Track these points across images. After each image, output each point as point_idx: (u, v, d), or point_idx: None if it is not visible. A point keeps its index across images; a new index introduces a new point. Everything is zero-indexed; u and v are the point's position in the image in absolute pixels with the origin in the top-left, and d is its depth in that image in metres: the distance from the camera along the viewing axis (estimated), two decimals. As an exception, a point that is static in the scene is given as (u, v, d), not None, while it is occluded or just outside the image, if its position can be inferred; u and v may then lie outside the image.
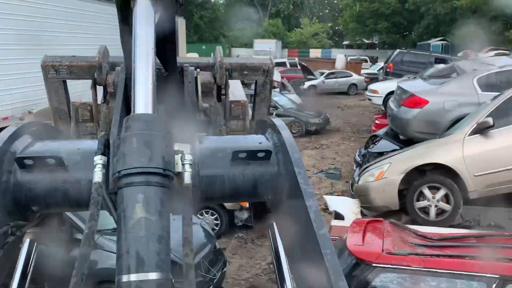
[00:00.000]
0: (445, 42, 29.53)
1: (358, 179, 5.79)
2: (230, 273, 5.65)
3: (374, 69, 24.78)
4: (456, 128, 5.47)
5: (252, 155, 1.02)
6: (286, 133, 1.05)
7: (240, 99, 1.99)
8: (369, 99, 13.38)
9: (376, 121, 11.10)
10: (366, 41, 41.90)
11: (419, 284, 3.12)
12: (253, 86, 2.08)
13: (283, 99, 14.35)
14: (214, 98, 1.88)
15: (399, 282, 3.15)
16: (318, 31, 40.76)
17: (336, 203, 5.49)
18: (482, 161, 4.95)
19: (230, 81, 1.90)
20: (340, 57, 25.94)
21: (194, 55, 19.98)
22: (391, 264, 3.18)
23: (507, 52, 21.93)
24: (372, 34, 39.71)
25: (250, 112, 2.12)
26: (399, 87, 7.53)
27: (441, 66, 9.48)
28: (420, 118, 6.55)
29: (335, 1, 46.54)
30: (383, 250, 3.28)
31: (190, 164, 0.91)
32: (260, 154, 1.03)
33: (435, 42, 29.63)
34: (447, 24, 32.23)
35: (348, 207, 5.28)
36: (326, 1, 48.56)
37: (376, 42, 40.76)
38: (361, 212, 5.28)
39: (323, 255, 0.78)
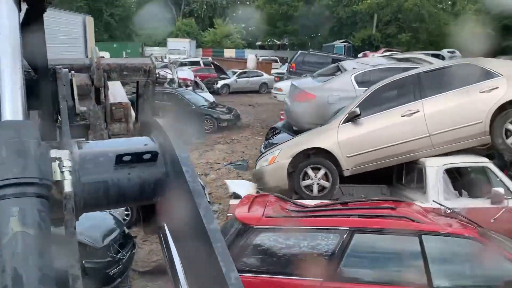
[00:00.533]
0: (348, 44, 31.98)
1: (255, 165, 6.56)
2: (141, 257, 6.09)
3: (283, 69, 26.20)
4: (333, 118, 6.43)
5: (137, 158, 0.99)
6: (171, 133, 1.02)
7: (121, 101, 1.97)
8: (275, 97, 14.38)
9: (282, 117, 12.10)
10: (278, 42, 43.71)
11: (290, 239, 3.89)
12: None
13: (196, 97, 14.89)
14: (92, 101, 1.83)
15: (275, 239, 3.88)
16: (232, 31, 41.72)
17: (236, 185, 6.20)
18: (352, 144, 5.93)
19: (109, 83, 1.86)
20: (251, 57, 27.02)
21: (105, 53, 19.68)
22: (269, 226, 3.90)
23: (399, 52, 24.48)
24: (283, 35, 41.55)
25: (133, 114, 2.08)
26: (292, 85, 8.47)
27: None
28: (309, 111, 7.49)
29: (247, 3, 47.83)
30: (263, 215, 3.99)
31: (70, 171, 0.87)
32: (146, 156, 1.00)
33: (338, 43, 31.96)
34: (349, 27, 34.85)
35: (245, 188, 6.01)
36: (238, 2, 49.69)
37: (286, 43, 42.64)
38: (258, 193, 6.02)
39: (214, 249, 0.79)
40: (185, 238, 0.95)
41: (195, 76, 19.27)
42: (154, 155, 1.00)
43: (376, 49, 29.15)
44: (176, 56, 30.07)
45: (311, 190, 6.05)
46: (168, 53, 33.69)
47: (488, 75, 5.75)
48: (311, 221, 3.97)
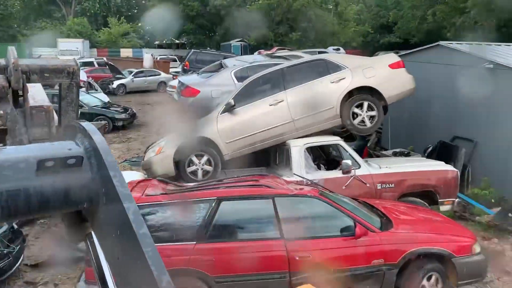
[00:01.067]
0: (244, 43, 33.25)
1: (144, 157, 7.04)
2: (33, 252, 6.26)
3: (181, 67, 26.58)
4: (214, 109, 7.16)
5: (61, 163, 0.96)
6: (97, 137, 0.99)
7: (42, 104, 1.86)
8: (170, 94, 14.81)
9: (176, 113, 12.62)
10: (176, 41, 43.68)
11: (167, 212, 4.51)
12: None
13: (88, 98, 14.73)
14: (10, 105, 1.76)
15: (153, 213, 4.47)
16: (128, 30, 40.78)
17: (126, 176, 6.63)
18: (230, 132, 6.70)
19: (29, 85, 1.78)
20: (147, 56, 26.94)
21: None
22: (147, 202, 4.47)
23: (290, 50, 26.21)
24: (181, 34, 41.65)
25: (56, 117, 2.01)
26: (179, 81, 9.07)
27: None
28: (194, 104, 8.15)
29: (143, 2, 47.02)
30: (143, 194, 4.56)
31: None
32: (70, 161, 0.97)
33: (235, 42, 33.10)
34: (244, 27, 36.14)
35: (134, 178, 6.47)
36: (134, 1, 48.60)
37: (185, 42, 42.83)
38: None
39: (144, 253, 0.79)
40: (114, 244, 0.92)
41: (88, 77, 18.86)
42: (79, 160, 0.97)
43: (270, 47, 30.76)
44: (68, 57, 28.75)
45: (196, 175, 6.72)
46: (59, 54, 32.02)
47: (337, 68, 6.89)
48: (185, 195, 4.62)
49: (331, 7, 38.16)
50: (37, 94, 1.96)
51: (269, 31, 34.28)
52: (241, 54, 25.00)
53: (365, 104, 6.82)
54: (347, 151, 6.49)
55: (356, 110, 6.83)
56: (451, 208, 6.65)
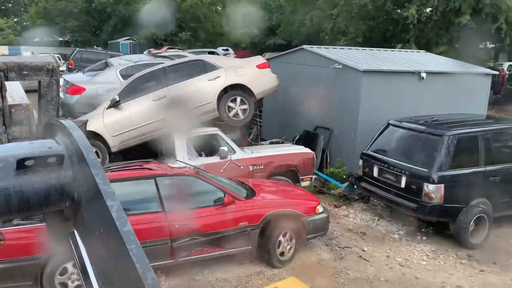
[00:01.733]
0: (133, 41, 32.87)
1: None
2: None
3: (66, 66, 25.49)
4: (100, 105, 7.67)
5: (41, 162, 0.94)
6: (78, 134, 0.99)
7: (21, 103, 1.85)
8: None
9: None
10: (60, 39, 41.33)
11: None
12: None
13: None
14: None
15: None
16: (2, 26, 37.61)
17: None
18: (116, 125, 7.30)
19: (7, 83, 1.67)
20: (27, 55, 25.43)
21: None
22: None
23: (181, 50, 26.74)
24: (65, 31, 39.54)
25: (36, 115, 1.97)
26: (64, 80, 9.30)
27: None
28: (81, 102, 8.52)
29: (19, -5, 43.60)
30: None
31: None
32: (51, 160, 0.95)
33: (123, 41, 32.56)
34: (132, 25, 35.66)
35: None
36: (7, -6, 44.78)
37: (70, 40, 40.75)
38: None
39: (129, 251, 0.79)
40: (97, 242, 0.91)
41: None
42: (59, 158, 0.96)
43: (160, 46, 30.92)
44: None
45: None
46: None
47: (213, 67, 7.89)
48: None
49: (220, 8, 39.43)
50: (15, 92, 1.82)
51: (158, 30, 34.35)
52: (130, 53, 24.94)
53: (238, 99, 7.91)
54: (224, 140, 7.50)
55: (231, 104, 7.89)
56: (310, 183, 8.05)
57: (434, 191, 6.23)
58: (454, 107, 9.00)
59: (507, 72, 29.13)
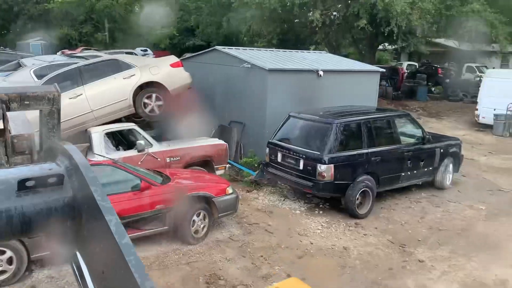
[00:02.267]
0: (44, 42, 31.48)
1: None
2: None
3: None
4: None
5: (41, 182, 0.96)
6: (77, 156, 1.00)
7: (23, 133, 1.85)
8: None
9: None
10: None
11: None
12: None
13: None
14: None
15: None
16: None
17: None
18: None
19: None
20: None
21: None
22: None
23: (97, 50, 26.22)
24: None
25: (37, 142, 1.95)
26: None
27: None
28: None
29: None
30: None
31: None
32: (51, 180, 0.97)
33: (34, 41, 31.07)
34: (43, 25, 34.12)
35: None
36: None
37: (-28, 40, 37.87)
38: None
39: (127, 262, 0.81)
40: (98, 258, 0.94)
41: None
42: (59, 178, 0.98)
43: (75, 47, 29.99)
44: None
45: None
46: None
47: (128, 66, 8.37)
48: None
49: (137, 9, 38.97)
50: (17, 120, 1.92)
51: (72, 31, 33.27)
52: (42, 54, 24.03)
53: (154, 95, 8.47)
54: (141, 134, 8.02)
55: (147, 101, 8.43)
56: (224, 172, 8.84)
57: (325, 171, 7.32)
58: (348, 101, 10.28)
59: (406, 71, 32.42)
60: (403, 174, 8.41)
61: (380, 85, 29.59)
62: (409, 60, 38.05)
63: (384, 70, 13.47)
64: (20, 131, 1.83)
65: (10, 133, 1.78)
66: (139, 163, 7.63)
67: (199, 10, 35.45)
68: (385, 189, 8.36)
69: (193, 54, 12.84)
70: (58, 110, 1.84)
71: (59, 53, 28.02)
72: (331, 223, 7.41)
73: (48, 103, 1.77)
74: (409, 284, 5.53)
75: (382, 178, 8.05)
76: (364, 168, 7.76)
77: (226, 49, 11.47)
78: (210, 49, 11.98)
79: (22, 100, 1.70)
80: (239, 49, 12.01)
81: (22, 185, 0.96)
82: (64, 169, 1.04)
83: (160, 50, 35.89)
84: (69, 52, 25.32)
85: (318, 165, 7.36)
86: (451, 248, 6.58)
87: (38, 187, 0.98)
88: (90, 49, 27.23)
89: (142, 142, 7.75)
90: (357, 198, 7.61)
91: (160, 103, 8.54)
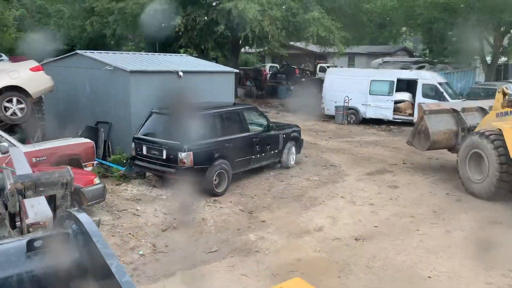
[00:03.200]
0: None
1: None
2: None
3: None
4: None
5: (49, 242, 1.03)
6: (82, 216, 1.09)
7: (39, 221, 1.85)
8: None
9: None
10: None
11: None
12: None
13: None
14: (7, 228, 1.77)
15: None
16: None
17: None
18: None
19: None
20: None
21: None
22: None
23: None
24: None
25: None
26: None
27: None
28: None
29: None
30: None
31: None
32: (58, 238, 1.06)
33: None
34: None
35: None
36: None
37: None
38: None
39: None
40: None
41: None
42: (65, 236, 1.07)
43: None
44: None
45: None
46: None
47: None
48: None
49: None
50: (38, 202, 1.92)
51: None
52: None
53: (14, 99, 8.71)
54: (3, 137, 8.21)
55: (7, 104, 8.63)
56: (92, 168, 9.42)
57: (185, 157, 8.47)
58: (207, 98, 11.58)
59: (269, 72, 35.40)
60: (253, 157, 9.98)
61: (245, 85, 31.86)
62: (272, 62, 41.44)
63: (239, 71, 15.15)
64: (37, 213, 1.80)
65: (26, 220, 1.82)
66: (4, 164, 7.87)
67: (60, 13, 33.91)
68: (239, 170, 9.83)
69: (54, 59, 12.93)
70: (71, 193, 1.92)
71: None
72: (193, 202, 8.59)
73: (61, 187, 1.80)
74: (251, 238, 6.96)
75: (235, 161, 9.49)
76: (219, 153, 9.10)
77: (88, 53, 11.92)
78: (71, 53, 12.27)
79: (37, 187, 1.73)
80: (101, 53, 12.51)
81: (31, 246, 1.06)
82: (70, 229, 1.15)
83: (16, 55, 33.44)
84: None
85: (179, 153, 8.48)
86: (287, 210, 8.25)
87: (46, 247, 1.06)
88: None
89: (5, 144, 7.99)
90: (215, 179, 8.91)
91: (22, 106, 8.80)
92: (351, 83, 18.25)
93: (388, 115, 17.70)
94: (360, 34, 27.22)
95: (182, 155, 8.49)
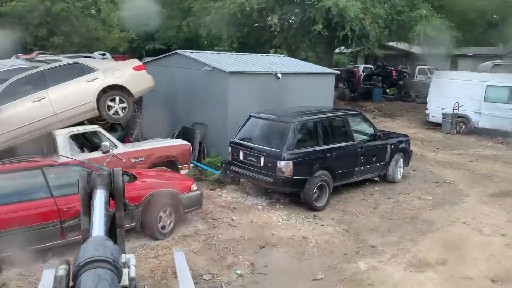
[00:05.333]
0: (-3, 45, 30.43)
1: None
2: None
3: None
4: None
5: None
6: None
7: None
8: None
9: None
10: None
11: None
12: None
13: None
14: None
15: None
16: None
17: None
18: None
19: None
20: None
21: None
22: None
23: (53, 54, 25.66)
24: None
25: None
26: None
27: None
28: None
29: None
30: None
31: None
32: None
33: (-15, 45, 29.99)
34: (-5, 28, 33.03)
35: None
36: None
37: None
38: None
39: None
40: None
41: None
42: None
43: (29, 52, 29.18)
44: None
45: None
46: None
47: (91, 70, 8.52)
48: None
49: (94, 12, 38.33)
50: None
51: (27, 35, 32.34)
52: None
53: (117, 98, 8.66)
54: (105, 136, 8.18)
55: (110, 103, 8.61)
56: (188, 171, 9.13)
57: (284, 167, 7.78)
58: (306, 102, 10.84)
59: (362, 73, 33.68)
60: (356, 169, 9.01)
61: (337, 87, 30.67)
62: (365, 63, 39.54)
63: (338, 72, 14.16)
64: None
65: None
66: (104, 164, 7.79)
67: (158, 13, 35.35)
68: (341, 183, 8.93)
69: (154, 58, 13.03)
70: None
71: (13, 57, 27.33)
72: (291, 215, 7.87)
73: None
74: (361, 267, 6.05)
75: (337, 173, 8.61)
76: (320, 163, 8.28)
77: (187, 52, 11.77)
78: (171, 52, 12.23)
79: None
80: (200, 52, 12.32)
81: None
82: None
83: (119, 54, 35.52)
84: (23, 56, 24.68)
85: (278, 161, 7.81)
86: (400, 234, 7.19)
87: None
88: (45, 53, 26.62)
89: (106, 143, 7.93)
90: (315, 192, 8.11)
91: (123, 105, 8.74)
92: (462, 88, 16.31)
93: (507, 126, 15.50)
94: (470, 34, 24.60)
95: (281, 164, 7.81)
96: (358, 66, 37.47)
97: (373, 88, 28.47)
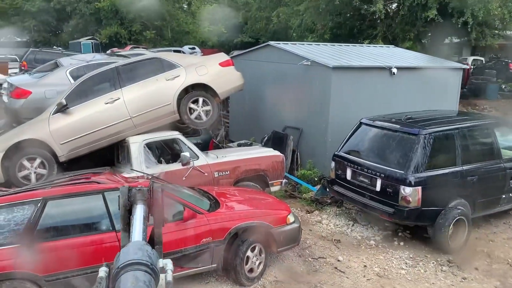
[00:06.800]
0: (95, 41, 31.55)
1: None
2: None
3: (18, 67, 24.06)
4: (45, 110, 6.89)
5: None
6: None
7: None
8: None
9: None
10: (18, 39, 39.45)
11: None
12: None
13: None
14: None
15: None
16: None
17: None
18: (64, 132, 6.55)
19: None
20: (-22, 56, 23.90)
21: None
22: None
23: (145, 48, 25.76)
24: (24, 32, 37.76)
25: None
26: (8, 82, 8.44)
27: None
28: (26, 106, 7.70)
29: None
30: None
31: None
32: None
33: (85, 41, 31.19)
34: (94, 24, 34.35)
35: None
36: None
37: (28, 40, 38.93)
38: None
39: None
40: None
41: None
42: None
43: (124, 46, 29.77)
44: None
45: (30, 180, 6.42)
46: None
47: (171, 66, 7.22)
48: (7, 199, 4.48)
49: (185, 6, 38.47)
50: None
51: (121, 29, 33.16)
52: (93, 52, 23.76)
53: (200, 99, 7.30)
54: (186, 144, 6.85)
55: (192, 106, 7.27)
56: (280, 188, 7.54)
57: (411, 194, 5.83)
58: (426, 103, 8.70)
59: (472, 67, 29.65)
60: (503, 196, 6.75)
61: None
62: (472, 55, 35.03)
63: (467, 66, 11.63)
64: None
65: None
66: (183, 178, 6.49)
67: (248, 5, 34.32)
68: (481, 215, 6.74)
69: (243, 51, 11.59)
70: None
71: (108, 51, 27.90)
72: (417, 259, 5.92)
73: None
74: None
75: (479, 202, 6.45)
76: (458, 190, 6.20)
77: (281, 44, 10.14)
78: (263, 45, 10.67)
79: None
80: (295, 44, 10.64)
81: None
82: None
83: (208, 48, 35.19)
84: (117, 50, 24.99)
85: (402, 187, 5.88)
86: None
87: None
88: (138, 47, 26.80)
89: (187, 154, 6.59)
90: (450, 229, 6.05)
91: (207, 108, 7.36)
92: None
93: None
94: None
95: (406, 190, 5.86)
96: (466, 58, 33.20)
97: (486, 84, 24.65)
